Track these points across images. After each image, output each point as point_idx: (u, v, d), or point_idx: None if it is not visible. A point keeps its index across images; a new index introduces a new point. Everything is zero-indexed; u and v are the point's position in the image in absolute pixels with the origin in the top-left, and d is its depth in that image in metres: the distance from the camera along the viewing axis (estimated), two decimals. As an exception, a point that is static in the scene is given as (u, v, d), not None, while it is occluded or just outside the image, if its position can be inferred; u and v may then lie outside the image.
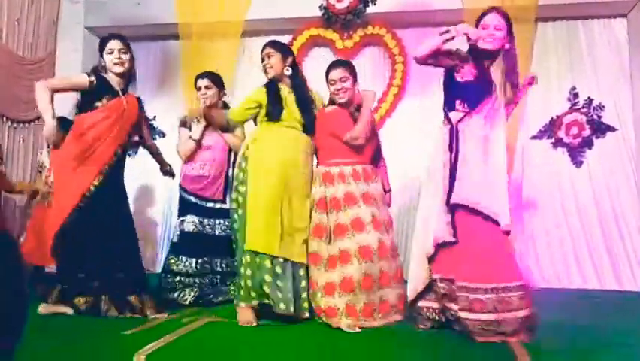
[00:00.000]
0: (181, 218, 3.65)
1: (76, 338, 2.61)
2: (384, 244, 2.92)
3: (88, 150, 3.11)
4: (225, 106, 3.80)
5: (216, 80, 3.73)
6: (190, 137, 3.62)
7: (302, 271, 3.06)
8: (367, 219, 2.91)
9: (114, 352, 2.36)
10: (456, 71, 2.77)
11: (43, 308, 3.11)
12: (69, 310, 3.08)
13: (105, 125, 3.14)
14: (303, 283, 3.05)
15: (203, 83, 3.69)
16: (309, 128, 3.19)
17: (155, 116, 5.40)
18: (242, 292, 2.98)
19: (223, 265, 3.61)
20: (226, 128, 3.58)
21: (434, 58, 2.72)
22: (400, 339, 2.64)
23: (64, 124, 3.27)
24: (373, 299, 2.87)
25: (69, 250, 3.08)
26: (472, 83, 2.74)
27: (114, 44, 3.21)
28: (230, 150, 3.71)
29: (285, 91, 3.19)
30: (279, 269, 2.98)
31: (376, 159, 3.26)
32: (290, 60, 3.25)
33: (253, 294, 2.95)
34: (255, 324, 2.89)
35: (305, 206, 3.10)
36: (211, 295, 3.53)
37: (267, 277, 2.93)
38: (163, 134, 5.47)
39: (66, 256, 3.10)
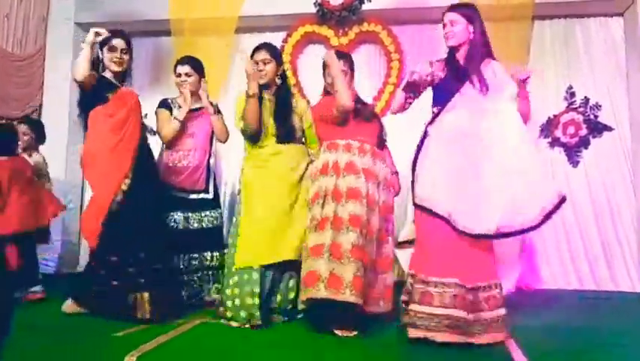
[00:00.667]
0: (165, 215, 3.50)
1: (67, 339, 2.58)
2: (370, 225, 2.83)
3: (119, 132, 3.07)
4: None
5: (197, 67, 3.61)
6: (175, 117, 3.49)
7: (292, 272, 3.06)
8: (362, 193, 2.82)
9: (105, 353, 2.33)
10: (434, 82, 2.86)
11: (69, 307, 3.12)
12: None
13: (125, 112, 3.11)
14: (291, 283, 3.09)
15: (183, 70, 3.57)
16: (282, 137, 3.14)
17: (146, 114, 5.32)
18: (229, 313, 2.96)
19: (214, 259, 3.52)
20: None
21: (411, 93, 2.89)
22: (396, 343, 2.61)
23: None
24: (365, 275, 2.74)
25: (111, 243, 3.02)
26: (443, 81, 2.80)
27: (117, 43, 3.19)
28: (212, 138, 3.63)
29: (267, 99, 3.18)
30: (265, 278, 2.99)
31: (381, 143, 3.21)
32: (281, 69, 3.25)
33: (242, 313, 2.92)
34: (247, 326, 2.86)
35: (300, 213, 3.06)
36: (203, 293, 3.48)
37: (255, 289, 2.92)
38: (154, 132, 5.40)
39: (107, 249, 3.03)
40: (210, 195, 3.55)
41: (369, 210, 2.81)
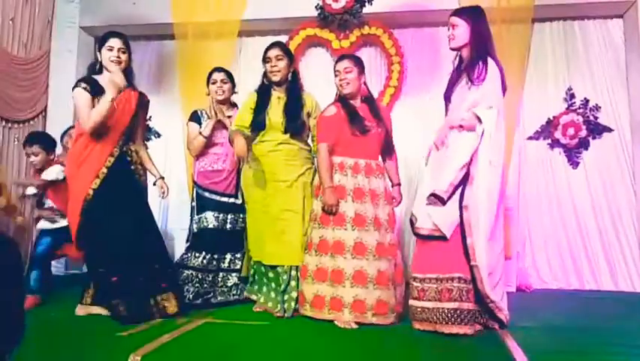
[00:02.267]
0: (199, 215, 3.61)
1: (72, 339, 2.61)
2: (381, 244, 2.96)
3: (88, 147, 3.10)
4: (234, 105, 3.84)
5: (230, 76, 3.78)
6: (200, 133, 3.60)
7: (292, 273, 3.20)
8: (370, 217, 2.96)
9: (109, 353, 2.36)
10: None
11: (80, 310, 3.16)
12: (103, 312, 3.10)
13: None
14: (292, 284, 3.19)
15: (219, 76, 3.71)
16: (291, 132, 3.27)
17: (150, 117, 5.36)
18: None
19: (231, 263, 3.60)
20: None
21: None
22: (395, 336, 2.66)
23: None
24: (366, 297, 2.88)
25: (93, 251, 3.05)
26: (448, 90, 2.99)
27: (115, 42, 3.19)
28: None
29: (275, 96, 3.32)
30: (271, 274, 3.25)
31: (387, 152, 3.29)
32: (292, 66, 3.40)
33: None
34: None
35: (295, 213, 3.20)
36: (210, 295, 3.52)
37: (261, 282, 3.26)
38: (158, 135, 5.46)
39: (91, 257, 3.07)
40: (239, 201, 3.63)
41: (378, 232, 2.98)
